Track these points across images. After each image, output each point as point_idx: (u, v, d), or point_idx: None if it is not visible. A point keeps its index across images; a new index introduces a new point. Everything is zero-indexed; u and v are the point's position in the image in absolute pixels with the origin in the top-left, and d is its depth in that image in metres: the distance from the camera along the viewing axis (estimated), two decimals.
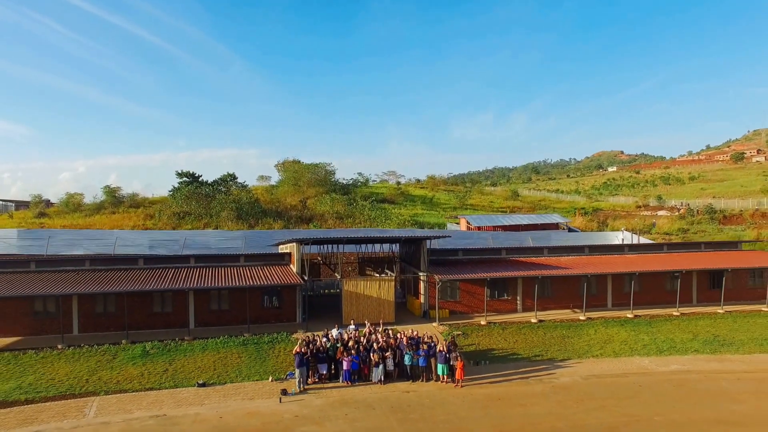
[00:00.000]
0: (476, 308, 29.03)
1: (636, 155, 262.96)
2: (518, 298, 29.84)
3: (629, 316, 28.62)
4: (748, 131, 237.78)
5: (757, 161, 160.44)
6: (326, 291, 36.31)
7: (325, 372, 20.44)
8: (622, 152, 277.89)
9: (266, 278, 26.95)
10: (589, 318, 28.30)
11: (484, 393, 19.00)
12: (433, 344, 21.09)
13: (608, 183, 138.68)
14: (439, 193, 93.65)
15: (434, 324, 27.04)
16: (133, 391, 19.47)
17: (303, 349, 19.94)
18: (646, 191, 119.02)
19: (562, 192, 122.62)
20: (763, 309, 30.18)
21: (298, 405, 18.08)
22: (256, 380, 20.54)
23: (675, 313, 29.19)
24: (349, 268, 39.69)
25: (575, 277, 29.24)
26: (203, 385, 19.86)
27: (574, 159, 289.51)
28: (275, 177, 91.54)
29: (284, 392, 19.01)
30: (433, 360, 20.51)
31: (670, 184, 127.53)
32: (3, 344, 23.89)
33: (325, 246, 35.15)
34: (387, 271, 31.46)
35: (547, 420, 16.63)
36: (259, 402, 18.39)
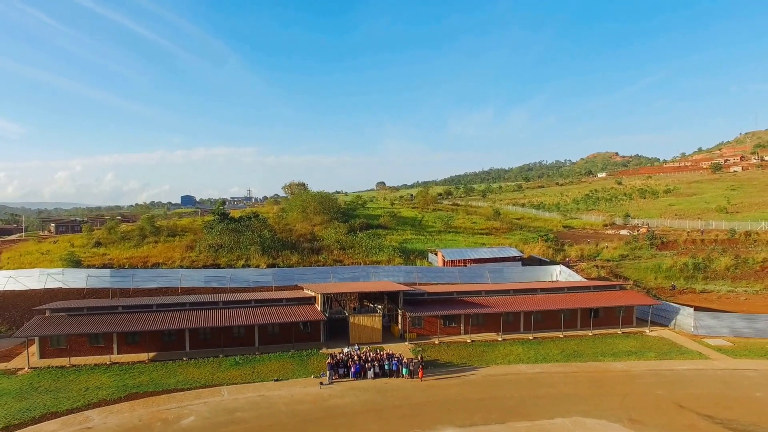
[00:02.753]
0: (434, 332, 48.72)
1: (630, 157, 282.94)
2: (461, 325, 49.57)
3: (530, 338, 48.36)
4: (740, 133, 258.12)
5: (734, 171, 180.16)
6: (337, 316, 55.81)
7: (342, 372, 40.07)
8: (616, 153, 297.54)
9: (303, 315, 46.52)
10: (504, 339, 48.04)
11: (426, 383, 38.69)
12: (401, 358, 40.76)
13: (590, 195, 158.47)
14: (428, 213, 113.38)
15: (406, 343, 46.76)
16: (239, 384, 39.00)
17: (331, 361, 39.70)
18: (621, 205, 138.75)
19: (543, 206, 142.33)
20: (617, 332, 50.00)
21: (329, 389, 37.71)
22: (304, 377, 40.10)
23: (560, 336, 48.96)
24: (352, 297, 59.38)
25: (498, 313, 48.83)
26: (277, 380, 39.46)
27: (569, 160, 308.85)
28: (280, 192, 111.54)
29: (321, 384, 38.61)
30: (401, 366, 40.16)
31: (645, 198, 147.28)
32: (151, 356, 43.56)
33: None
34: (378, 306, 51.05)
35: (453, 395, 36.32)
36: (309, 388, 37.99)
